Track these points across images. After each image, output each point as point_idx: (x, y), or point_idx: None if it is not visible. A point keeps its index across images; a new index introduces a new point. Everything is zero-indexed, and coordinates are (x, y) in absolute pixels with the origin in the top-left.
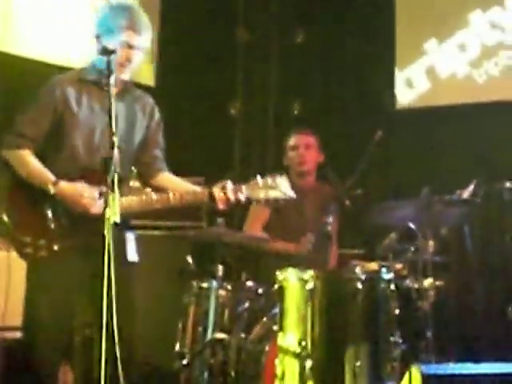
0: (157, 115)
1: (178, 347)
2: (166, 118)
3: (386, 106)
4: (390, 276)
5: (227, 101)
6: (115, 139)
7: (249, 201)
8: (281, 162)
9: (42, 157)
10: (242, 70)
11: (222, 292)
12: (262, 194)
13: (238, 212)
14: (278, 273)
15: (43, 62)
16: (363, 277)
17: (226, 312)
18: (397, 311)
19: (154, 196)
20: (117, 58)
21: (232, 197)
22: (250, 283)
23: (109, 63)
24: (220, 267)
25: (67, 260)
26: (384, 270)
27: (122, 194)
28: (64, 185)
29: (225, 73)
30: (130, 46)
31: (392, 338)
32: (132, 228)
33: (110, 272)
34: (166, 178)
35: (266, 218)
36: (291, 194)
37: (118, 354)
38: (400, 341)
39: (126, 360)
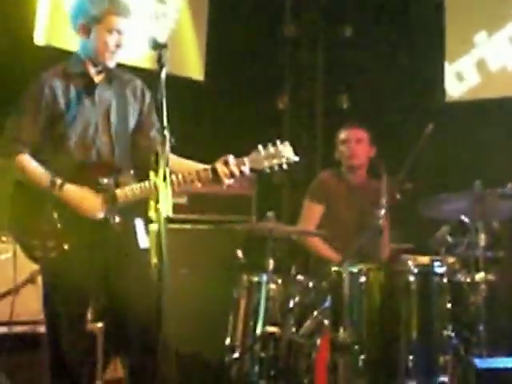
0: (148, 96)
1: (228, 341)
2: (215, 111)
3: (436, 99)
4: (443, 270)
5: (275, 95)
6: (166, 133)
7: (253, 171)
8: (329, 155)
9: (38, 155)
10: (290, 65)
11: (272, 286)
12: (265, 163)
13: (288, 206)
14: (330, 266)
15: None
16: (416, 270)
17: (277, 306)
18: (449, 305)
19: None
20: (105, 44)
21: (236, 170)
22: (300, 277)
23: (160, 57)
24: (270, 261)
25: (78, 257)
26: (437, 263)
27: (122, 185)
28: (69, 187)
29: (273, 67)
30: (118, 31)
31: (445, 332)
32: (140, 216)
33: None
34: (173, 159)
35: (319, 216)
36: (295, 158)
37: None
38: (452, 335)
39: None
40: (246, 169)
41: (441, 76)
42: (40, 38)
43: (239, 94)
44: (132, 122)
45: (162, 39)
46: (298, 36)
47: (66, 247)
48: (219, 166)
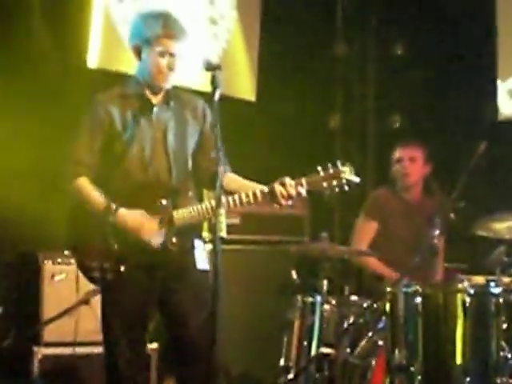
0: (209, 116)
1: (283, 362)
2: (267, 132)
3: (489, 117)
4: (499, 290)
5: (327, 114)
6: (221, 156)
7: (311, 193)
8: (380, 175)
9: (96, 178)
10: (341, 84)
11: (326, 307)
12: (324, 184)
13: (340, 226)
14: (385, 287)
15: None
16: (472, 291)
17: (331, 327)
18: (505, 325)
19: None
20: (158, 67)
21: (292, 191)
22: (354, 297)
23: (214, 78)
24: (324, 282)
25: (135, 280)
26: (492, 283)
27: (179, 206)
28: (124, 212)
29: (324, 86)
30: (171, 54)
31: (502, 353)
32: (200, 236)
33: (217, 288)
34: (230, 179)
35: (374, 233)
36: (356, 179)
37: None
38: (509, 356)
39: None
40: (303, 190)
41: (493, 94)
42: (93, 62)
43: (291, 114)
44: (192, 143)
45: (215, 60)
46: (349, 54)
47: (122, 269)
48: (276, 187)
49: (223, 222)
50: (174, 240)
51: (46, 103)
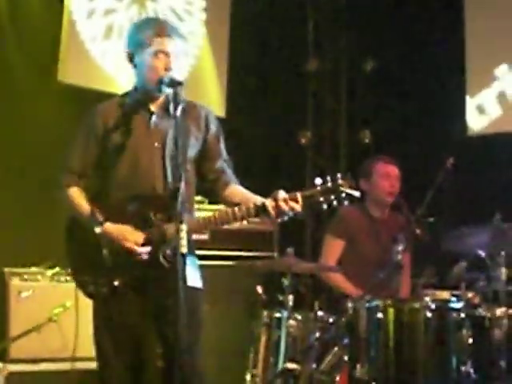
0: (213, 125)
1: (249, 377)
2: (237, 148)
3: (457, 132)
4: (461, 305)
5: (298, 130)
6: (182, 171)
7: (309, 208)
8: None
9: (90, 187)
10: (312, 99)
11: (292, 322)
12: (322, 199)
13: (310, 241)
14: (348, 302)
15: None
16: (433, 306)
17: (297, 342)
18: (470, 340)
19: (206, 217)
20: (153, 68)
21: (285, 207)
22: (320, 313)
23: (175, 95)
24: (290, 297)
25: (128, 294)
26: (454, 298)
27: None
28: (109, 226)
29: (295, 102)
30: (166, 53)
31: (463, 368)
32: (192, 253)
33: (178, 301)
34: (234, 191)
35: (341, 251)
36: (356, 193)
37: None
38: (471, 371)
39: None
40: (297, 206)
41: (462, 109)
42: (62, 77)
43: (261, 130)
44: (193, 153)
45: (179, 77)
46: (320, 70)
47: (116, 283)
48: (269, 203)
49: (184, 238)
50: (167, 254)
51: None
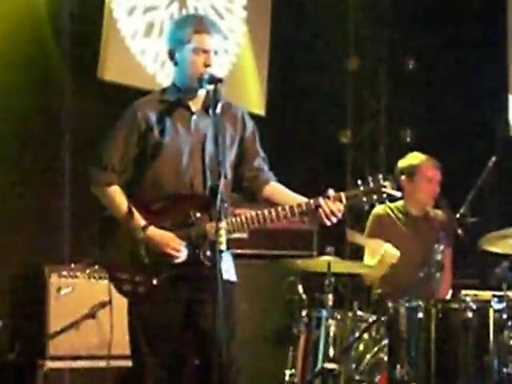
0: (250, 124)
1: (288, 377)
2: (277, 147)
3: (500, 132)
4: (502, 306)
5: (338, 129)
6: (222, 169)
7: (352, 208)
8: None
9: (129, 185)
10: (353, 98)
11: (331, 322)
12: (364, 199)
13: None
14: (388, 302)
15: None
16: (474, 306)
17: (337, 342)
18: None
19: (248, 215)
20: (193, 65)
21: (340, 207)
22: (360, 312)
23: (215, 92)
24: (329, 296)
25: (166, 293)
26: (495, 299)
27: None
28: (152, 231)
29: (336, 101)
30: (205, 51)
31: (505, 370)
32: (229, 249)
33: (215, 297)
34: (273, 189)
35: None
36: (398, 194)
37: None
38: None
39: None
40: (341, 206)
41: (505, 108)
42: (103, 75)
43: (301, 129)
44: (232, 153)
45: (219, 74)
46: (361, 69)
47: (154, 282)
48: (322, 202)
49: (223, 235)
50: (207, 253)
51: None
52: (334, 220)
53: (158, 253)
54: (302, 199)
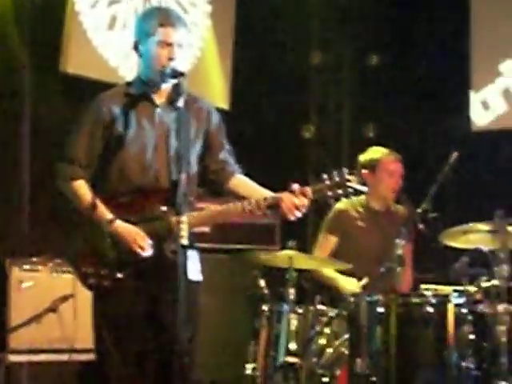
0: (215, 117)
1: (249, 370)
2: (240, 140)
3: (461, 128)
4: (462, 300)
5: (301, 124)
6: (184, 163)
7: (317, 202)
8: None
9: (94, 179)
10: (316, 93)
11: (293, 316)
12: (330, 193)
13: (313, 235)
14: (348, 297)
15: None
16: (434, 301)
17: (298, 336)
18: (471, 336)
19: (213, 209)
20: (157, 58)
21: (299, 201)
22: (321, 307)
23: (178, 86)
24: (291, 291)
25: (131, 287)
26: (455, 294)
27: (179, 212)
28: (119, 225)
29: (299, 95)
30: (169, 44)
31: (464, 364)
32: (193, 246)
33: (178, 294)
34: (239, 182)
35: (332, 247)
36: (364, 188)
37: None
38: (472, 366)
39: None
40: (306, 201)
41: (466, 105)
42: (66, 67)
43: (265, 124)
44: (197, 146)
45: (182, 67)
46: (324, 64)
47: (119, 276)
48: (286, 196)
49: (184, 230)
50: (172, 247)
51: None
52: (298, 215)
53: (123, 247)
54: (268, 193)
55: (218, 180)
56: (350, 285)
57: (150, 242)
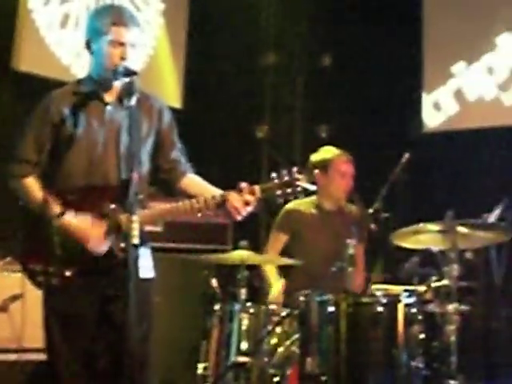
0: (167, 116)
1: (201, 370)
2: (193, 139)
3: (414, 129)
4: (412, 300)
5: (254, 124)
6: (135, 161)
7: (266, 201)
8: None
9: (44, 177)
10: (269, 93)
11: (244, 315)
12: (278, 192)
13: (265, 234)
14: (299, 296)
15: None
16: (384, 301)
17: (250, 335)
18: (422, 336)
19: (163, 208)
20: (109, 57)
21: (251, 199)
22: (273, 306)
23: (130, 85)
24: (243, 290)
25: (79, 285)
26: (405, 293)
27: (128, 210)
28: (69, 219)
29: (252, 95)
30: (121, 43)
31: (414, 363)
32: (146, 243)
33: (128, 293)
34: (190, 181)
35: (284, 244)
36: (312, 187)
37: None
38: (421, 366)
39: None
40: (251, 199)
41: (418, 106)
42: (18, 65)
43: (218, 123)
44: (148, 145)
45: (134, 66)
46: (277, 64)
47: (67, 274)
48: (232, 195)
49: (136, 229)
50: (121, 245)
51: None
52: (244, 213)
53: (74, 244)
54: (218, 192)
55: (170, 179)
56: (274, 290)
57: (103, 228)
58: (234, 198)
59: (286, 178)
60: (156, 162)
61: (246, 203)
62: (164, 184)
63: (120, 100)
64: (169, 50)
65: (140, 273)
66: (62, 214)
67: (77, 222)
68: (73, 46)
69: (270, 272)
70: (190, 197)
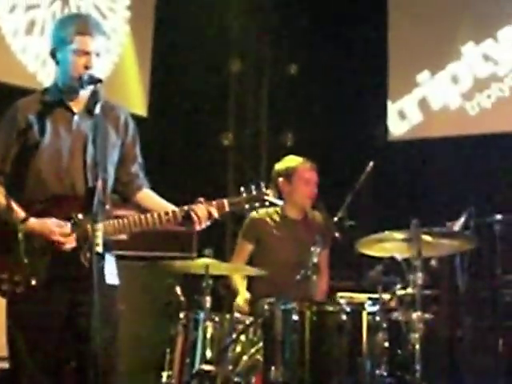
0: (131, 128)
1: (165, 378)
2: (159, 148)
3: (379, 137)
4: (376, 308)
5: (220, 131)
6: (100, 171)
7: (234, 213)
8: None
9: (10, 186)
10: (235, 101)
11: (209, 323)
12: (247, 206)
13: (230, 242)
14: (264, 304)
15: None
16: (348, 309)
17: (214, 343)
18: (386, 344)
19: (131, 219)
20: (74, 67)
21: (215, 213)
22: (237, 314)
23: (95, 92)
24: (207, 298)
25: (46, 294)
26: (369, 302)
27: (95, 219)
28: (33, 222)
29: (218, 103)
30: (86, 53)
31: (378, 371)
32: (110, 250)
33: (92, 301)
34: (146, 196)
35: (249, 252)
36: (279, 202)
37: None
38: (385, 374)
39: None
40: (214, 211)
41: (383, 114)
42: None
43: (183, 130)
44: (114, 155)
45: (99, 74)
46: (243, 72)
47: (33, 282)
48: (195, 209)
49: (99, 237)
50: (87, 255)
51: None
52: (203, 226)
53: (39, 251)
54: (171, 207)
55: (126, 192)
56: (240, 299)
57: (68, 226)
58: (199, 209)
59: (255, 193)
60: (116, 174)
61: (210, 215)
62: (121, 195)
63: (87, 109)
64: (134, 57)
65: (106, 279)
66: (27, 219)
67: (41, 221)
68: (39, 53)
69: (237, 280)
70: (143, 210)
